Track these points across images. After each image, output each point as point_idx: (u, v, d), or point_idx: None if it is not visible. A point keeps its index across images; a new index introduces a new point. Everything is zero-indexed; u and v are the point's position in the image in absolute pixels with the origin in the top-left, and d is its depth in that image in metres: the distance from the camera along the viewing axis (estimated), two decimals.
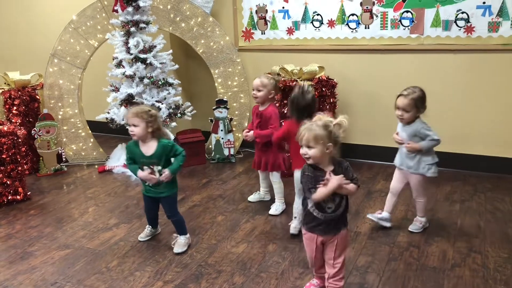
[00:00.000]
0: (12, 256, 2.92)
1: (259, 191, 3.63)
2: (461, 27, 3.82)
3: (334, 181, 2.09)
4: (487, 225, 3.10)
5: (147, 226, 3.10)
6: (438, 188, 3.74)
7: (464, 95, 3.97)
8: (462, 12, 3.78)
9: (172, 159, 2.84)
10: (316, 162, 2.13)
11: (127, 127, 2.87)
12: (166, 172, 2.76)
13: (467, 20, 3.78)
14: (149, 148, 2.77)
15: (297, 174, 2.91)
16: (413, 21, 3.96)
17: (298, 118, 2.85)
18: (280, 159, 3.31)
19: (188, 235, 2.98)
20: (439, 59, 3.97)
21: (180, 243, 2.92)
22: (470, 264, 2.66)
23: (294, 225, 3.05)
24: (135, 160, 2.83)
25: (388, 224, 3.09)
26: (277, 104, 3.83)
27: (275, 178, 3.37)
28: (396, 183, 3.07)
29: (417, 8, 3.92)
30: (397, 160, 3.06)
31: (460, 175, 3.99)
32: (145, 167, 2.79)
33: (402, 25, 4.00)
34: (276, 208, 3.38)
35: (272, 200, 3.48)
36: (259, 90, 3.26)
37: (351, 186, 2.14)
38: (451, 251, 2.79)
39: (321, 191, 2.11)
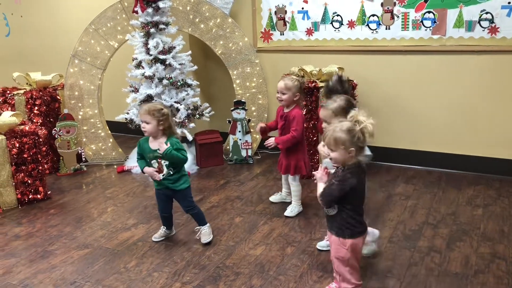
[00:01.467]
0: (33, 254, 2.95)
1: (281, 192, 3.61)
2: (485, 27, 3.73)
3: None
4: (511, 231, 3.02)
5: (162, 227, 3.11)
6: (460, 192, 3.66)
7: (487, 97, 3.88)
8: (486, 13, 3.70)
9: None
10: (338, 163, 2.11)
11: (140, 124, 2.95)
12: (163, 146, 2.78)
13: (491, 21, 3.70)
14: (157, 143, 2.83)
15: None
16: (435, 22, 3.89)
17: None
18: (301, 162, 3.27)
19: (208, 224, 3.06)
20: (462, 61, 3.89)
21: (205, 233, 3.00)
22: (494, 270, 2.59)
23: None
24: (143, 156, 2.91)
25: None
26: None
27: (294, 180, 3.33)
28: None
29: (439, 9, 3.85)
30: None
31: (482, 179, 3.90)
32: (153, 162, 2.85)
33: (424, 26, 3.93)
34: (291, 209, 3.35)
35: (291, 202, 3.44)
36: (283, 93, 3.19)
37: (319, 188, 2.17)
38: (474, 257, 2.73)
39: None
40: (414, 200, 3.56)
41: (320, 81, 3.95)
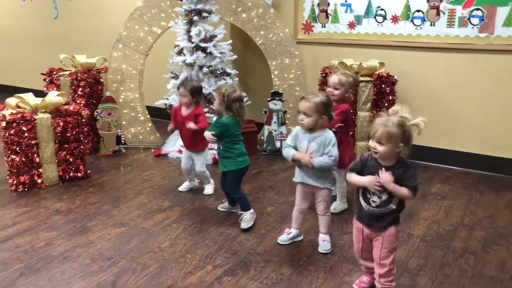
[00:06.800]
0: (72, 229, 3.07)
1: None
2: None
3: (367, 179, 2.12)
4: None
5: (224, 199, 3.37)
6: (499, 195, 3.57)
7: None
8: None
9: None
10: (383, 158, 2.10)
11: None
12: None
13: None
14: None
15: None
16: (483, 20, 3.78)
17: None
18: (346, 157, 3.15)
19: (252, 210, 3.12)
20: (509, 61, 3.77)
21: (245, 219, 3.07)
22: None
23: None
24: None
25: (301, 238, 2.94)
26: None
27: (338, 176, 3.25)
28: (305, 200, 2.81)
29: (488, 6, 3.74)
30: (299, 177, 2.74)
31: None
32: None
33: (471, 23, 3.83)
34: (335, 206, 3.28)
35: (335, 197, 3.35)
36: (336, 89, 3.10)
37: (402, 190, 2.07)
38: (510, 261, 2.67)
39: (353, 178, 2.17)
40: (450, 200, 3.50)
41: (361, 76, 3.92)
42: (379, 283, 2.26)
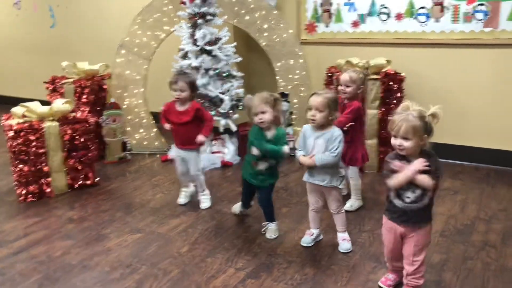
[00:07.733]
0: (88, 237, 3.02)
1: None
2: None
3: (410, 167, 2.05)
4: None
5: (240, 203, 3.22)
6: (511, 188, 3.59)
7: None
8: None
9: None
10: (409, 154, 2.08)
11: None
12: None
13: None
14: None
15: None
16: (487, 15, 3.80)
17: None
18: (358, 153, 3.19)
19: (276, 222, 3.02)
20: None
21: (271, 229, 2.97)
22: None
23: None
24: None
25: (321, 237, 2.92)
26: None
27: (352, 173, 3.24)
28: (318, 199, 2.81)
29: (492, 1, 3.76)
30: (306, 175, 2.75)
31: None
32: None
33: (475, 18, 3.85)
34: (351, 204, 3.28)
35: (349, 195, 3.36)
36: (347, 86, 3.11)
37: (424, 178, 2.04)
38: None
39: (397, 177, 2.08)
40: (463, 195, 3.51)
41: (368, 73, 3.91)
42: (406, 279, 2.25)
